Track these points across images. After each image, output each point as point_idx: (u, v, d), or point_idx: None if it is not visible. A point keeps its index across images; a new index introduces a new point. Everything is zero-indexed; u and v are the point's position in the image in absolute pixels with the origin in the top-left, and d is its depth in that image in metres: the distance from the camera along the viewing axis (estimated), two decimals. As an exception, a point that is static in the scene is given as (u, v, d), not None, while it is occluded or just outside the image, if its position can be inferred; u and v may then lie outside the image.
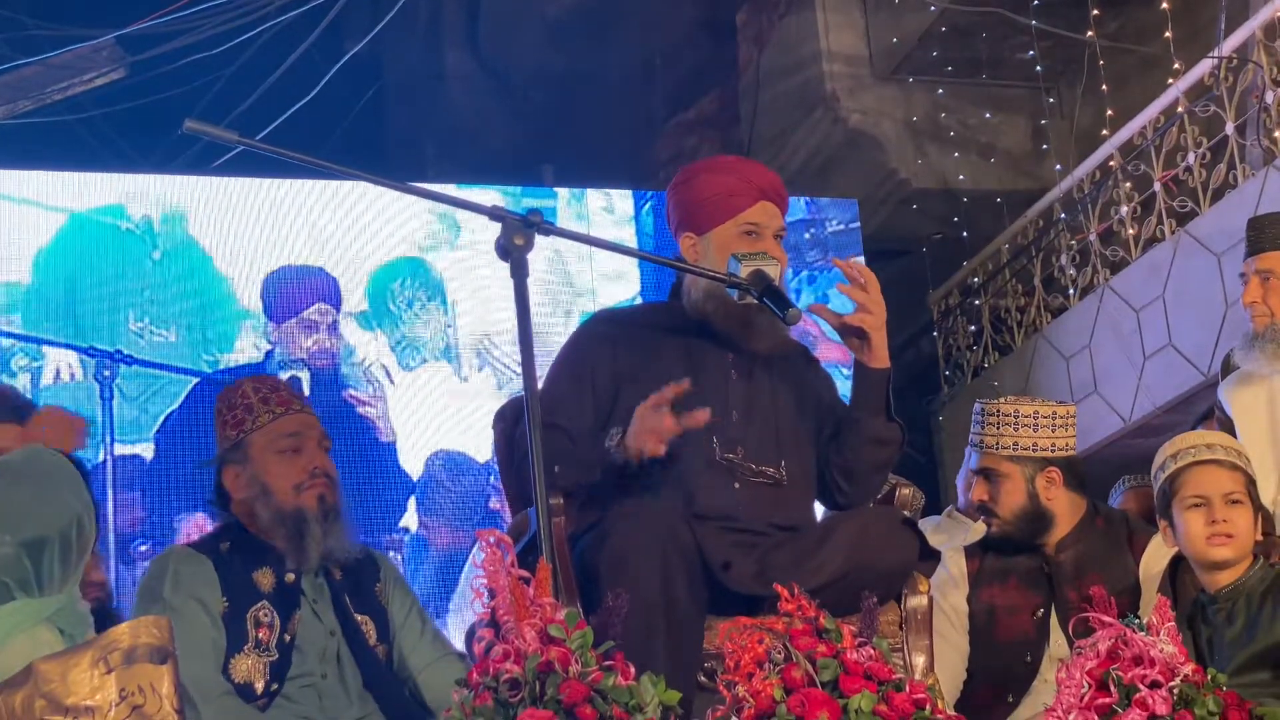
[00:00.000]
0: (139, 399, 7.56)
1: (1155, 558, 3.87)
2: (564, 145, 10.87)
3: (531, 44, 11.77)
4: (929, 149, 10.14)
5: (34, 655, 2.53)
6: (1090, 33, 8.94)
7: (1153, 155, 8.13)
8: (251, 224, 8.16)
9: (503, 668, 2.29)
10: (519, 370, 2.75)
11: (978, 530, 4.19)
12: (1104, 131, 8.76)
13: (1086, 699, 2.57)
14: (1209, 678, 2.59)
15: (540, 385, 3.33)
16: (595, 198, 9.10)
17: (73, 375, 7.50)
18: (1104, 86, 8.99)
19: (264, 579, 3.37)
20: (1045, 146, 9.99)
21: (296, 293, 8.15)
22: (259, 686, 3.27)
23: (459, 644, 3.69)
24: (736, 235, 3.40)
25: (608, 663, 2.33)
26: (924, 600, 3.29)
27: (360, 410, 8.07)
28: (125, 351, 7.43)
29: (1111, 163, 8.54)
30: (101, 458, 7.31)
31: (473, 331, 8.42)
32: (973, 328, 9.92)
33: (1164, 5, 8.28)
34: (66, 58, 8.77)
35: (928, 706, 2.42)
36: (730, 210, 3.41)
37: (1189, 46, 8.38)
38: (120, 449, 7.36)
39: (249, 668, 3.27)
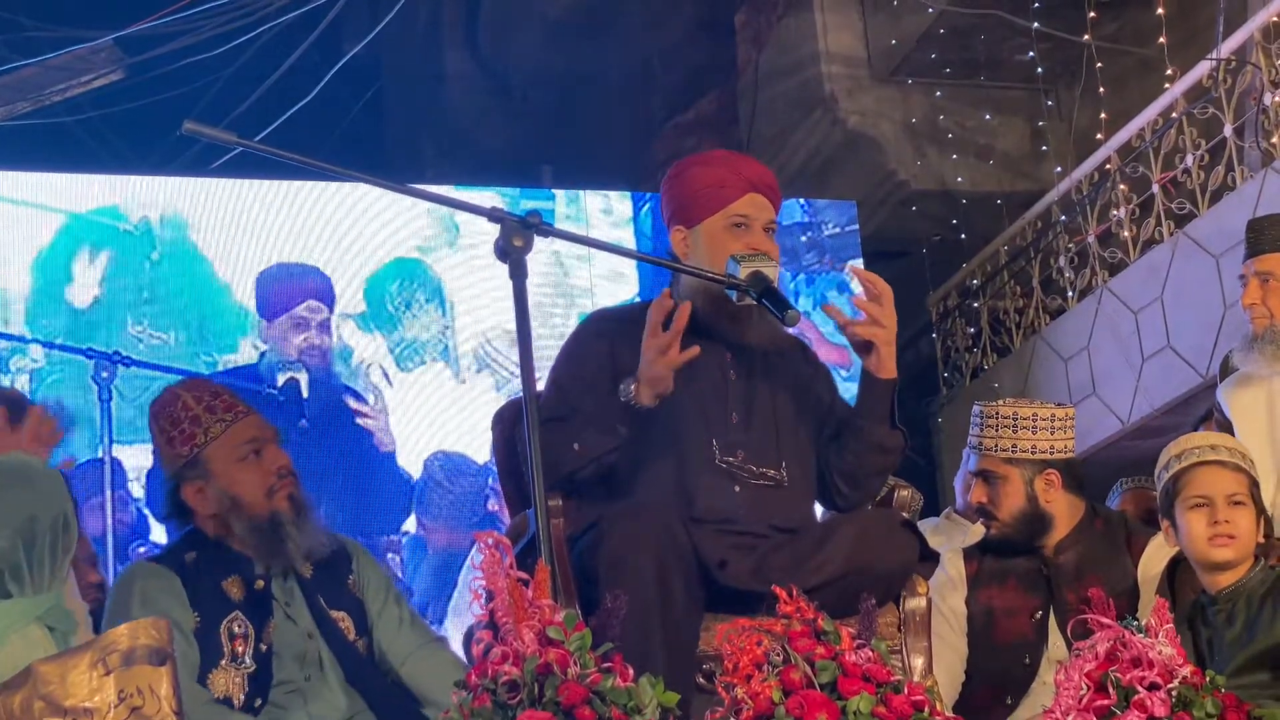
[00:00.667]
0: (137, 400, 7.55)
1: (1154, 559, 3.87)
2: (563, 146, 10.88)
3: (530, 45, 11.77)
4: (927, 150, 10.14)
5: (27, 654, 2.53)
6: (1088, 35, 8.94)
7: (1151, 157, 8.13)
8: (250, 225, 8.16)
9: (501, 669, 2.29)
10: (518, 371, 2.74)
11: (976, 532, 4.20)
12: (1102, 133, 8.77)
13: (1085, 701, 2.57)
14: (1208, 679, 2.59)
15: (541, 386, 3.33)
16: (594, 199, 9.10)
17: (71, 376, 7.50)
18: (1102, 88, 8.99)
19: (233, 588, 3.30)
20: (1044, 148, 9.99)
21: (288, 290, 8.15)
22: (238, 700, 3.21)
23: (457, 645, 3.68)
24: (725, 228, 3.39)
25: (606, 664, 2.33)
26: (922, 602, 3.29)
27: (360, 422, 8.07)
28: (123, 353, 7.42)
29: (1110, 164, 8.54)
30: (99, 458, 7.30)
31: (471, 333, 8.42)
32: (971, 329, 9.93)
33: (1159, 11, 8.28)
34: (65, 59, 8.77)
35: (926, 708, 2.42)
36: (719, 202, 3.41)
37: (1187, 48, 8.38)
38: (118, 450, 7.35)
39: (226, 682, 3.21)
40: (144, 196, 8.08)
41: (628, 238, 8.95)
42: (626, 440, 3.21)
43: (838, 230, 9.44)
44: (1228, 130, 7.57)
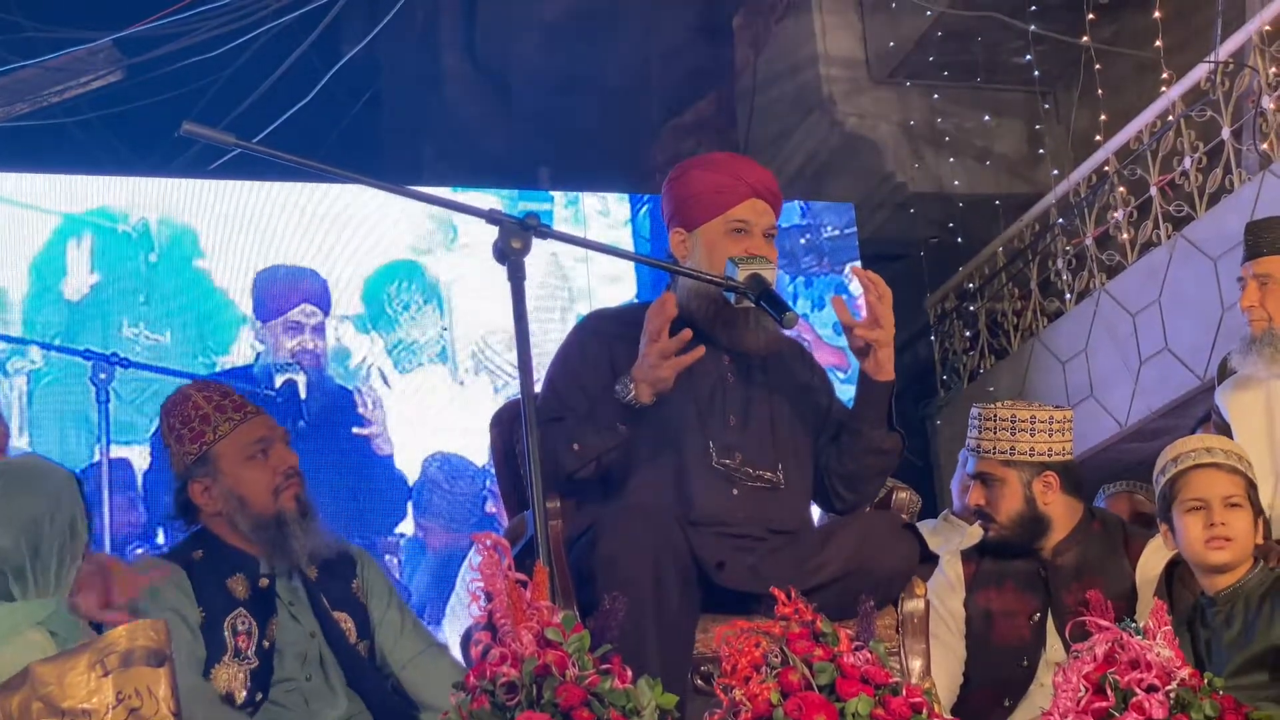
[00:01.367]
0: (135, 401, 7.55)
1: (1151, 562, 3.87)
2: (560, 148, 10.87)
3: (528, 47, 11.77)
4: (925, 153, 10.15)
5: (27, 659, 2.52)
6: (1086, 37, 8.94)
7: (1149, 160, 8.14)
8: (248, 227, 8.16)
9: (499, 671, 2.29)
10: (516, 373, 2.74)
11: (974, 534, 4.20)
12: (1100, 136, 8.77)
13: (1083, 703, 2.58)
14: (1205, 682, 2.59)
15: (539, 386, 3.34)
16: (591, 201, 9.10)
17: (69, 378, 7.50)
18: (1100, 91, 8.99)
19: (238, 586, 3.33)
20: (1041, 151, 10.00)
21: (284, 293, 8.15)
22: (240, 696, 3.23)
23: (455, 647, 3.69)
24: (725, 232, 3.39)
25: (604, 666, 2.33)
26: (921, 604, 3.29)
27: (356, 431, 8.07)
28: (121, 355, 7.42)
29: (1107, 167, 8.54)
30: (97, 460, 7.30)
31: (469, 335, 8.42)
32: (969, 332, 9.93)
33: (1157, 14, 8.29)
34: (63, 60, 8.76)
35: (924, 710, 2.42)
36: (719, 206, 3.41)
37: (1185, 51, 8.39)
38: (116, 451, 7.35)
39: (229, 677, 3.24)
40: (142, 198, 8.08)
41: (625, 239, 8.95)
42: (626, 439, 3.21)
43: (836, 233, 9.45)
44: (1225, 133, 7.57)
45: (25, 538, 2.84)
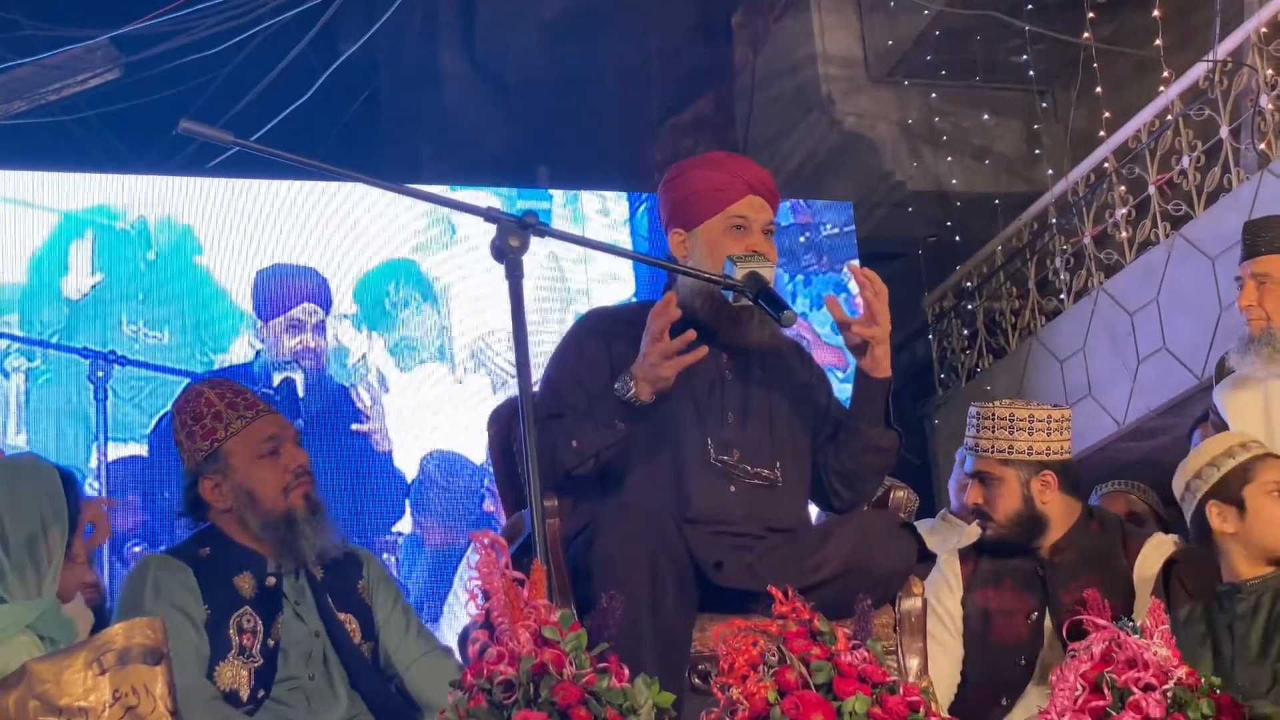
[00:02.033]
0: (133, 399, 7.55)
1: (1149, 561, 3.87)
2: (559, 147, 10.87)
3: (526, 46, 11.77)
4: (924, 152, 10.15)
5: (14, 664, 2.52)
6: (1085, 36, 8.94)
7: (1147, 158, 8.14)
8: (246, 225, 8.16)
9: (497, 669, 2.29)
10: (514, 371, 2.74)
11: (971, 533, 4.20)
12: (1099, 134, 8.77)
13: (1080, 702, 2.58)
14: (1203, 680, 2.59)
15: (537, 384, 3.34)
16: (590, 199, 9.10)
17: (66, 376, 7.49)
18: (1098, 89, 9.00)
19: (244, 584, 3.33)
20: (1039, 150, 10.00)
21: (285, 292, 8.15)
22: (244, 694, 3.24)
23: (453, 645, 3.69)
24: (724, 229, 3.39)
25: (602, 664, 2.33)
26: (918, 603, 3.29)
27: (354, 428, 8.07)
28: (119, 353, 7.42)
29: (1106, 166, 8.54)
30: (95, 458, 7.30)
31: (468, 333, 8.42)
32: (967, 331, 9.93)
33: (1155, 12, 8.29)
34: (61, 58, 8.76)
35: (921, 709, 2.42)
36: (718, 204, 3.41)
37: (1184, 50, 8.39)
38: (114, 449, 7.35)
39: (233, 675, 3.24)
40: (140, 196, 8.08)
41: (624, 238, 8.95)
42: (624, 436, 3.22)
43: (835, 231, 9.45)
44: (1224, 132, 7.57)
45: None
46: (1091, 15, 8.88)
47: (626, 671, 2.35)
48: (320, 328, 8.16)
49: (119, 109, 9.58)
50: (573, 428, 3.23)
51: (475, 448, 8.03)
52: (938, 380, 10.13)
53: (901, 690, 2.43)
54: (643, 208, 9.02)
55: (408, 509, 8.03)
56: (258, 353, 8.01)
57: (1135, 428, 8.10)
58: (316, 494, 3.46)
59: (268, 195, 8.23)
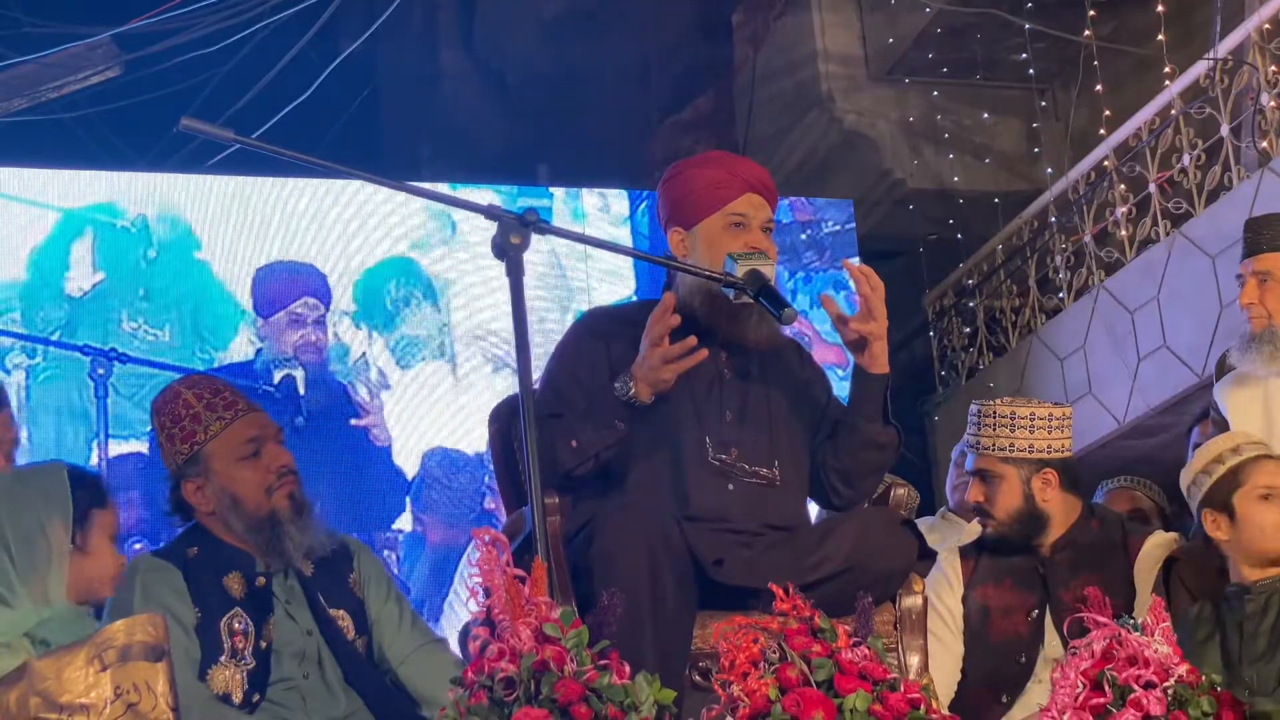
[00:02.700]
0: (133, 397, 7.56)
1: (1150, 558, 3.87)
2: (559, 145, 10.87)
3: (527, 43, 11.77)
4: (924, 150, 10.15)
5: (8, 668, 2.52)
6: (1085, 34, 8.94)
7: (1148, 157, 8.13)
8: (246, 222, 8.16)
9: (498, 666, 2.29)
10: (514, 369, 2.74)
11: (972, 531, 4.20)
12: (1099, 132, 8.77)
13: (1081, 699, 2.58)
14: (1204, 678, 2.59)
15: (537, 382, 3.33)
16: (590, 197, 9.10)
17: (67, 373, 7.50)
18: (1099, 88, 9.00)
19: (234, 584, 3.30)
20: (1040, 148, 10.00)
21: (285, 287, 8.16)
22: (237, 697, 3.20)
23: (453, 643, 3.68)
24: (723, 227, 3.39)
25: (603, 661, 2.33)
26: (919, 600, 3.29)
27: (353, 423, 8.07)
28: (119, 350, 7.42)
29: (1106, 164, 8.54)
30: (95, 456, 7.30)
31: (469, 330, 8.42)
32: (967, 329, 9.93)
33: (1159, 8, 8.29)
34: (62, 56, 8.75)
35: (922, 706, 2.42)
36: (716, 202, 3.41)
37: (1184, 48, 8.39)
38: (114, 446, 7.35)
39: (227, 678, 3.21)
40: (140, 193, 8.08)
41: (625, 236, 8.95)
42: (624, 436, 3.21)
43: (835, 229, 9.45)
44: (1224, 130, 7.57)
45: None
46: (1092, 13, 8.88)
47: (627, 668, 2.35)
48: (321, 322, 8.16)
49: (119, 106, 9.58)
50: (572, 427, 3.22)
51: (476, 445, 8.03)
52: (938, 378, 10.13)
53: (902, 687, 2.43)
54: (643, 205, 9.02)
55: (408, 506, 8.03)
56: (258, 350, 8.02)
57: (1135, 425, 8.10)
58: (302, 493, 3.40)
59: (268, 193, 8.24)
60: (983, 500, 4.00)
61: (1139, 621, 2.64)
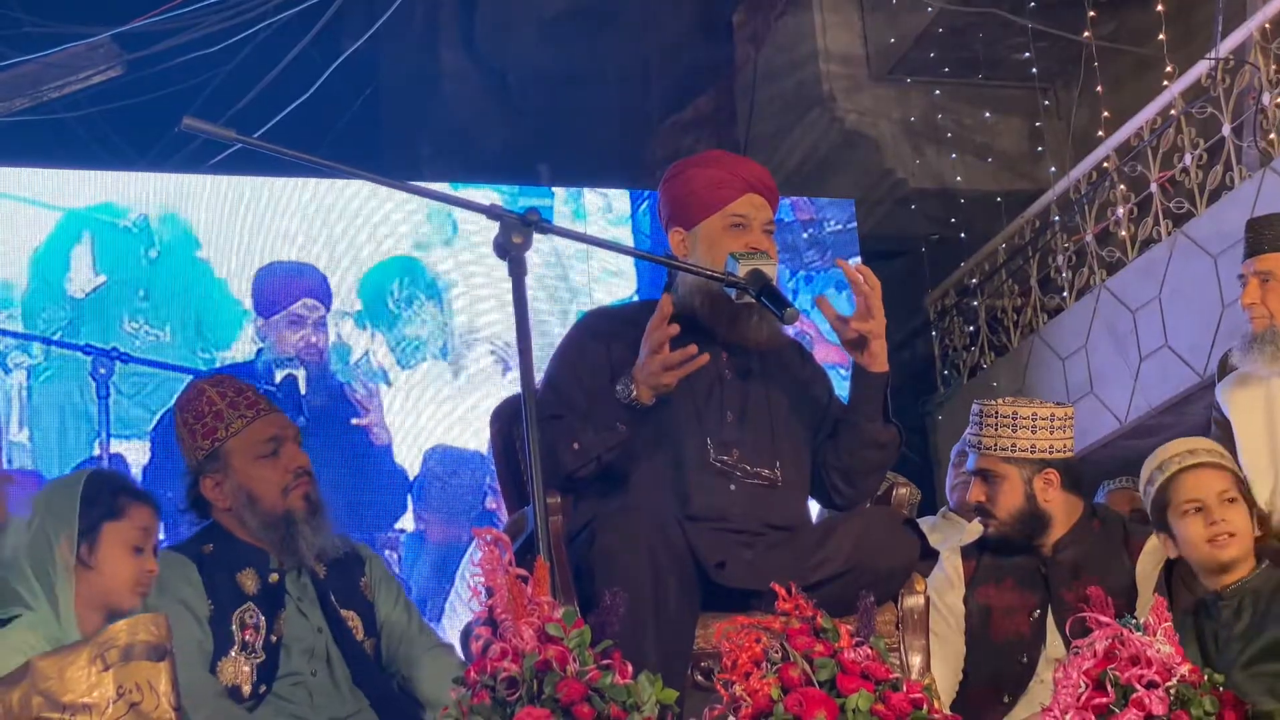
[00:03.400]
0: (135, 396, 7.56)
1: (1151, 558, 3.87)
2: (560, 144, 10.87)
3: (528, 43, 11.77)
4: (926, 149, 10.15)
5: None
6: (1087, 34, 8.94)
7: (1149, 156, 8.13)
8: (248, 222, 8.16)
9: (500, 666, 2.29)
10: (517, 369, 2.74)
11: (973, 530, 4.20)
12: (1100, 132, 8.77)
13: (1084, 699, 2.58)
14: (1206, 678, 2.59)
15: (539, 382, 3.33)
16: (592, 197, 9.10)
17: (69, 373, 7.50)
18: (1100, 87, 9.00)
19: (248, 580, 3.35)
20: (1041, 148, 10.00)
21: (284, 288, 8.15)
22: (246, 689, 3.25)
23: (455, 640, 3.69)
24: (723, 228, 3.39)
25: (605, 661, 2.33)
26: (920, 600, 3.29)
27: (354, 423, 8.07)
28: (121, 349, 7.42)
29: (1108, 164, 8.54)
30: (97, 454, 7.30)
31: (470, 330, 8.42)
32: (969, 328, 9.93)
33: (1160, 8, 8.29)
34: (63, 56, 8.75)
35: (924, 706, 2.42)
36: (717, 203, 3.41)
37: (1186, 47, 8.38)
38: (116, 446, 7.35)
39: (235, 670, 3.25)
40: (142, 193, 8.07)
41: (626, 235, 8.95)
42: (625, 438, 3.22)
43: (837, 228, 9.45)
44: (1226, 130, 7.57)
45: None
46: (1093, 14, 8.88)
47: (630, 668, 2.35)
48: (321, 324, 8.16)
49: (121, 106, 9.58)
50: (574, 429, 3.23)
51: (478, 445, 8.03)
52: (940, 378, 10.13)
53: (904, 687, 2.43)
54: (644, 205, 9.01)
55: (410, 505, 8.03)
56: (259, 350, 8.01)
57: (1137, 425, 8.10)
58: (317, 494, 3.46)
59: (270, 193, 8.23)
60: (984, 500, 4.00)
61: (1141, 621, 2.64)
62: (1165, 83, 8.12)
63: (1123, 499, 4.98)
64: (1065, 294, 8.95)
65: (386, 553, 7.78)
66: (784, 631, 2.45)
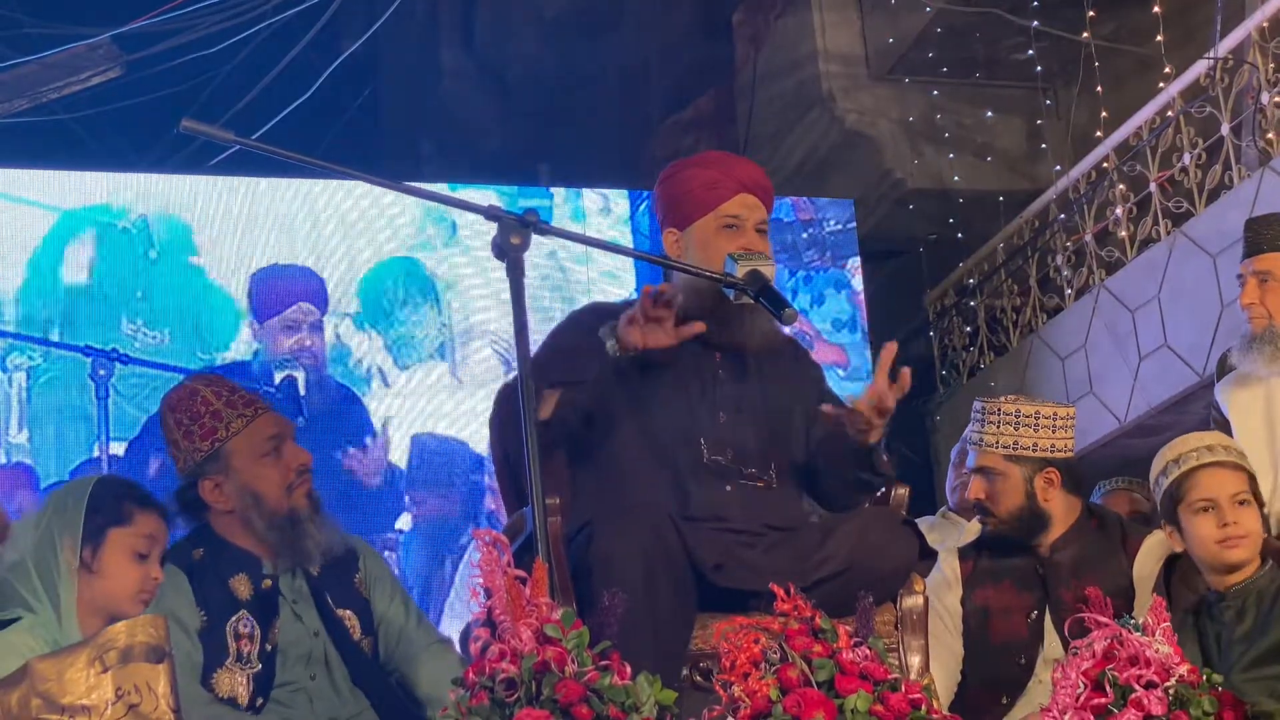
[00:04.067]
0: (134, 398, 7.55)
1: (1149, 559, 3.86)
2: (560, 145, 10.87)
3: (527, 43, 11.77)
4: (925, 149, 10.14)
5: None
6: (1086, 33, 8.94)
7: (1148, 156, 8.13)
8: (247, 223, 8.15)
9: (499, 667, 2.29)
10: (515, 369, 2.74)
11: (972, 530, 4.19)
12: (1099, 132, 8.77)
13: (1082, 699, 2.58)
14: (1205, 678, 2.59)
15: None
16: (591, 197, 9.10)
17: (68, 374, 7.49)
18: (1100, 87, 8.99)
19: (241, 586, 3.30)
20: (1041, 147, 10.00)
21: (280, 292, 8.14)
22: (243, 701, 3.21)
23: (454, 639, 3.68)
24: (717, 229, 3.39)
25: (604, 662, 2.33)
26: (919, 600, 3.29)
27: (353, 423, 8.07)
28: (120, 350, 7.42)
29: (1107, 163, 8.54)
30: (96, 455, 7.30)
31: (468, 330, 8.42)
32: (968, 328, 9.93)
33: (1156, 9, 8.29)
34: (62, 56, 8.75)
35: (923, 706, 2.42)
36: (710, 203, 3.41)
37: (1185, 47, 8.38)
38: (115, 448, 7.35)
39: (231, 682, 3.21)
40: (141, 194, 8.07)
41: (625, 236, 8.95)
42: (601, 390, 3.20)
43: (836, 228, 9.45)
44: (1225, 129, 7.57)
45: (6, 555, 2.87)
46: (1092, 14, 8.88)
47: (629, 669, 2.35)
48: (317, 327, 8.15)
49: (120, 107, 9.58)
50: (548, 381, 3.23)
51: (477, 445, 8.03)
52: (939, 378, 10.13)
53: (903, 688, 2.43)
54: (644, 205, 9.01)
55: (408, 505, 8.03)
56: (257, 351, 8.01)
57: (1136, 425, 8.10)
58: (316, 491, 3.43)
59: (269, 194, 8.23)
60: (984, 498, 4.00)
61: (1139, 621, 2.64)
62: (1163, 83, 8.12)
63: (1120, 500, 4.98)
64: (1065, 293, 8.95)
65: (386, 553, 7.78)
66: (782, 632, 2.45)
